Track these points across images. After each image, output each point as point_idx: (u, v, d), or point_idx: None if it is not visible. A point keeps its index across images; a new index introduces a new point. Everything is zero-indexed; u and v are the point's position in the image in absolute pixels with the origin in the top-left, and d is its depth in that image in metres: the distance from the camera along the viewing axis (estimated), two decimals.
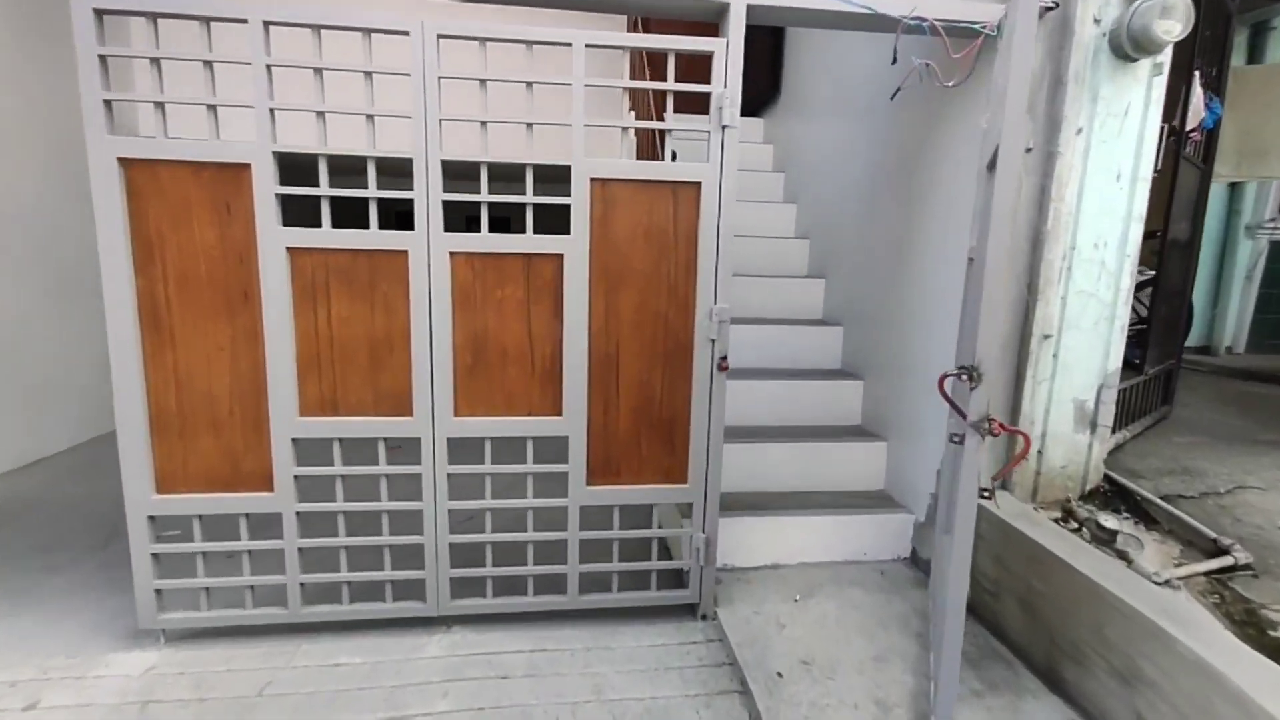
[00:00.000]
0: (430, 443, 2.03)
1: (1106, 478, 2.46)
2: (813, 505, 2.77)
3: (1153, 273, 3.07)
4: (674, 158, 2.09)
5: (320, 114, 1.86)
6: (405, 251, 1.91)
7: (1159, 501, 2.26)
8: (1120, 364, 2.34)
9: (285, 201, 1.88)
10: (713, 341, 2.09)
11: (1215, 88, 3.02)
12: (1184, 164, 2.89)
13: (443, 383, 1.99)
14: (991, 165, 1.68)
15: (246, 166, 1.82)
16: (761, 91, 4.99)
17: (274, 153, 1.83)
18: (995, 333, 1.32)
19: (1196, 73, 2.77)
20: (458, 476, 2.09)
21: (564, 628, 2.23)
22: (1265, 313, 5.54)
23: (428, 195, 1.89)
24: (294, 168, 2.00)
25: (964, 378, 1.39)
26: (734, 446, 2.85)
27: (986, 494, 1.40)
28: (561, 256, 1.99)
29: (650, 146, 3.98)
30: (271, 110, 1.82)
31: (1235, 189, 5.11)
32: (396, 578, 2.11)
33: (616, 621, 2.28)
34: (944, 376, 1.47)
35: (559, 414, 2.09)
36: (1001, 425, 1.37)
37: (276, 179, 1.84)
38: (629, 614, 2.31)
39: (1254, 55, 4.52)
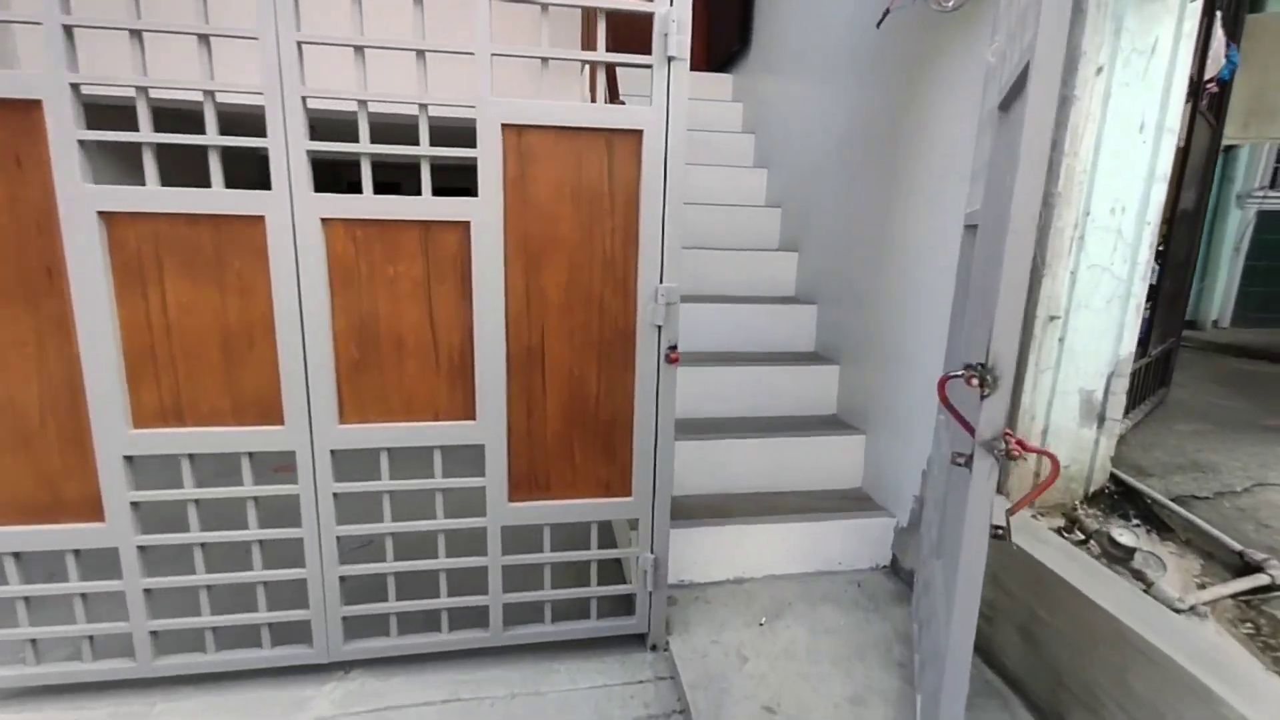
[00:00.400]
0: (309, 457, 1.63)
1: (1113, 477, 2.16)
2: (782, 509, 2.44)
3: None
4: None
5: (135, 34, 1.42)
6: (261, 217, 1.49)
7: (1175, 508, 1.97)
8: (1134, 349, 2.02)
9: (99, 153, 1.45)
10: (659, 328, 1.72)
11: (1232, 33, 2.69)
12: (1198, 120, 2.56)
13: (321, 383, 1.59)
14: (1006, 104, 1.32)
15: (37, 104, 1.38)
16: (729, 44, 4.55)
17: (73, 85, 1.38)
18: (1015, 320, 0.97)
19: (1218, 12, 2.43)
20: (348, 497, 1.71)
21: (488, 667, 1.88)
22: (1250, 285, 5.34)
23: (286, 143, 1.47)
24: (112, 112, 1.56)
25: (972, 381, 1.04)
26: (692, 444, 2.50)
27: (1000, 532, 1.07)
28: (468, 224, 1.59)
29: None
30: (67, 28, 1.37)
31: (1229, 154, 4.84)
32: (274, 620, 1.73)
33: (551, 657, 1.93)
34: (946, 378, 1.12)
35: (472, 418, 1.70)
36: (1022, 444, 1.03)
37: (80, 120, 1.40)
38: (568, 646, 1.96)
39: (1255, 4, 4.19)
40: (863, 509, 2.48)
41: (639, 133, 1.62)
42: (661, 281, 1.69)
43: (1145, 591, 1.68)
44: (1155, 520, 2.02)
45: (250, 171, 1.79)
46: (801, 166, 3.40)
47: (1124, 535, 1.78)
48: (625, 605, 2.00)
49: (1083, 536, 1.91)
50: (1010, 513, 1.11)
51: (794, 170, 3.52)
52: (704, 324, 3.01)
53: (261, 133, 1.46)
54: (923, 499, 2.19)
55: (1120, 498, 2.13)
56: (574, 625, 1.94)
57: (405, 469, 1.77)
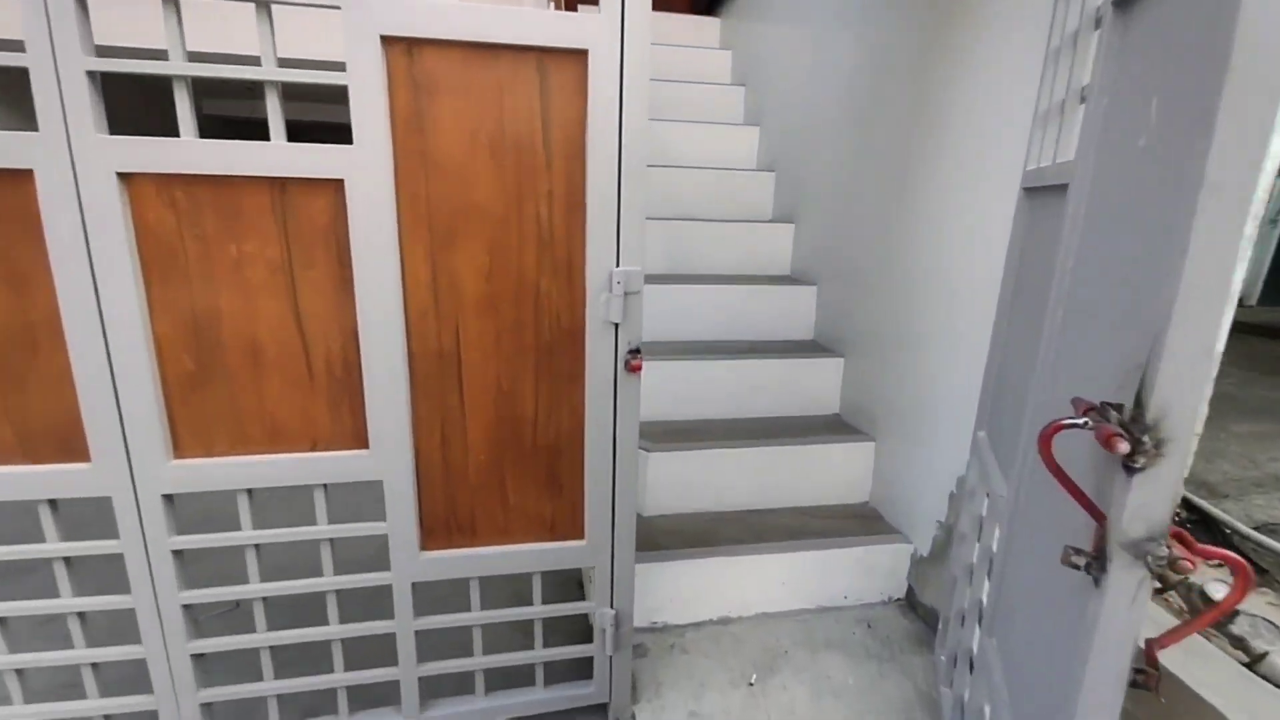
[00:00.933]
0: (131, 503, 1.19)
1: (1185, 502, 1.76)
2: (776, 532, 2.04)
3: None
4: None
5: None
6: (29, 171, 1.02)
7: (1271, 543, 1.57)
8: (1224, 345, 1.60)
9: None
10: (616, 326, 1.28)
11: None
12: None
13: (140, 405, 1.14)
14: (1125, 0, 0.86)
15: None
16: None
17: None
18: (1208, 346, 0.53)
19: None
20: (200, 553, 1.27)
21: None
22: None
23: (54, 58, 0.99)
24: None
25: (1116, 442, 0.61)
26: (667, 454, 2.09)
27: (1141, 678, 0.65)
28: (341, 184, 1.13)
29: None
30: None
31: None
32: (113, 710, 1.31)
33: None
34: (1056, 427, 0.69)
35: (363, 446, 1.27)
36: (1192, 547, 0.61)
37: None
38: None
39: None
40: (872, 532, 2.08)
41: (584, 54, 1.15)
42: (618, 264, 1.25)
43: (1249, 667, 1.30)
44: (1233, 550, 1.63)
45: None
46: (801, 123, 2.92)
47: (1220, 592, 1.38)
48: (584, 667, 1.59)
49: (1159, 584, 1.52)
50: (1159, 646, 0.70)
51: (792, 127, 3.03)
52: (683, 309, 2.57)
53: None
54: (951, 528, 1.78)
55: (1193, 527, 1.73)
56: (514, 698, 1.53)
57: (282, 513, 1.34)
